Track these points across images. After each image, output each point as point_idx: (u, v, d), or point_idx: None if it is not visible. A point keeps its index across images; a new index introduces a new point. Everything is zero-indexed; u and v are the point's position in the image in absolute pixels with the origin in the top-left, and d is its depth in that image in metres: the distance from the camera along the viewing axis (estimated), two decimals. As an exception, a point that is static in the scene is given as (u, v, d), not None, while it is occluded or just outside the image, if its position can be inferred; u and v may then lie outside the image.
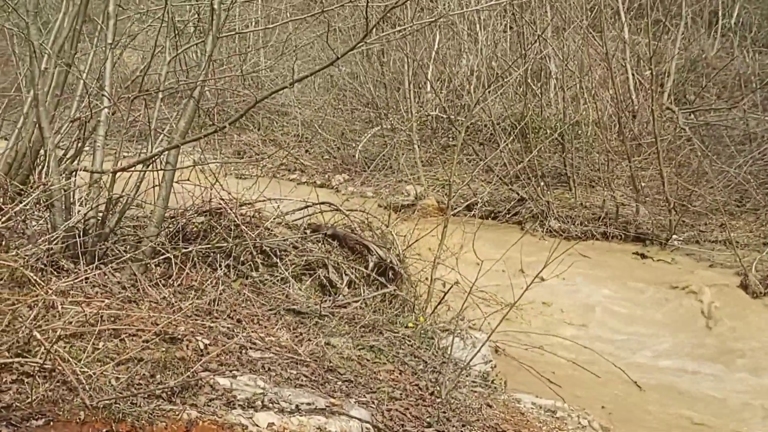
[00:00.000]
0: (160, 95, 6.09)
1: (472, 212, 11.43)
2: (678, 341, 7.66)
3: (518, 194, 11.80)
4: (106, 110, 5.55)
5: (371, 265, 6.54)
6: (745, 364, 7.09)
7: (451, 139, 14.26)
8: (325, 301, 6.04)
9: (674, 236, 10.39)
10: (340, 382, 4.73)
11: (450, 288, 6.56)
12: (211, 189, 6.17)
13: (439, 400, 4.81)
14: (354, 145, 14.86)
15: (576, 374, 6.59)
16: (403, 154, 13.33)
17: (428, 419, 4.57)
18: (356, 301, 6.13)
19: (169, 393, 3.56)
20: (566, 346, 7.05)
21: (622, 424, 5.45)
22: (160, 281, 5.04)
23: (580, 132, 12.48)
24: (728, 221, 10.10)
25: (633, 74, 12.94)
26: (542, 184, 11.65)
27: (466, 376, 5.54)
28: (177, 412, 3.43)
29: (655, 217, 10.70)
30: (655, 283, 8.98)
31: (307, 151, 15.77)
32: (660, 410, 6.14)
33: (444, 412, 4.69)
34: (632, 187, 11.09)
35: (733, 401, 6.41)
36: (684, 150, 11.55)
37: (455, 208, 11.22)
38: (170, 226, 5.79)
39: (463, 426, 4.62)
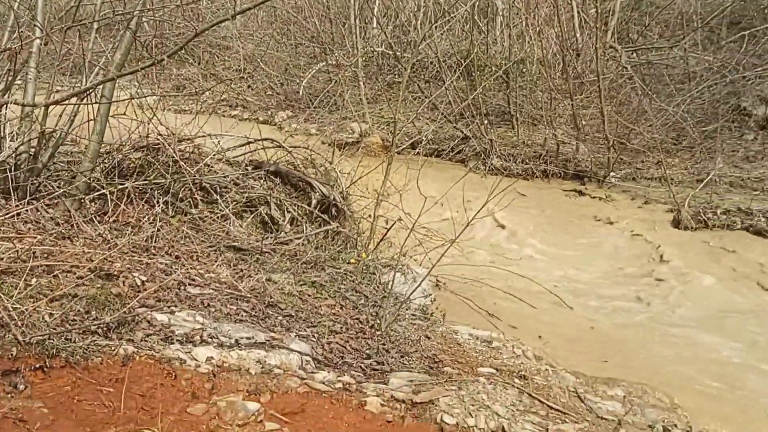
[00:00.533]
0: (95, 26, 5.88)
1: (417, 150, 11.50)
2: (608, 271, 7.90)
3: (462, 132, 11.84)
4: (38, 41, 5.35)
5: (314, 202, 6.54)
6: (670, 291, 7.36)
7: (396, 76, 14.16)
8: (267, 238, 6.04)
9: (612, 173, 10.61)
10: (280, 317, 4.77)
11: (393, 225, 6.61)
12: (149, 124, 6.04)
13: (378, 333, 4.90)
14: (298, 81, 14.65)
15: (513, 306, 6.76)
16: (348, 91, 13.20)
17: (368, 351, 4.66)
18: (298, 238, 6.14)
19: (104, 329, 3.55)
20: (504, 279, 7.20)
21: (554, 351, 5.64)
22: (96, 217, 4.96)
23: (524, 70, 12.53)
24: (664, 159, 10.33)
25: (578, 12, 12.96)
26: (486, 122, 11.71)
27: (406, 309, 5.63)
28: (113, 348, 3.42)
29: (594, 154, 10.90)
30: (589, 217, 9.21)
31: (249, 86, 15.51)
32: (593, 338, 6.35)
33: (383, 344, 4.78)
34: (573, 126, 11.23)
35: (654, 324, 6.65)
36: (625, 88, 11.72)
37: (400, 146, 11.25)
38: (106, 161, 5.68)
39: (402, 357, 4.72)
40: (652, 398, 5.21)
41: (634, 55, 13.26)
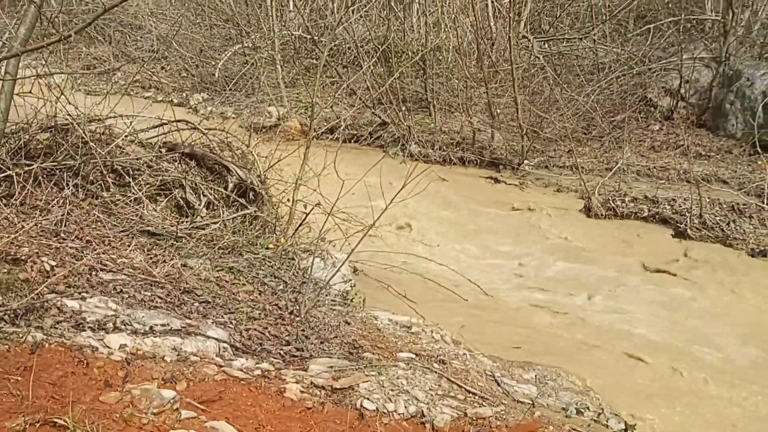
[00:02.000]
0: (-4, -1, 5.57)
1: (335, 135, 11.46)
2: (522, 253, 8.08)
3: (381, 118, 11.86)
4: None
5: (231, 185, 6.40)
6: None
7: (315, 60, 14.02)
8: (182, 222, 5.89)
9: (526, 161, 10.83)
10: (197, 304, 4.67)
11: (311, 209, 6.55)
12: (56, 103, 5.78)
13: (298, 319, 4.85)
14: (214, 63, 14.34)
15: (433, 292, 6.83)
16: (264, 74, 13.01)
17: (287, 338, 4.61)
18: (215, 223, 6.01)
19: (11, 315, 3.38)
20: (424, 264, 7.26)
21: (473, 336, 5.72)
22: (1, 200, 4.71)
23: (440, 58, 12.63)
24: (575, 148, 10.62)
25: (492, 2, 13.14)
26: (404, 108, 11.76)
27: (326, 295, 5.60)
28: (21, 335, 3.27)
29: (508, 142, 11.10)
30: (505, 204, 9.39)
31: (163, 67, 15.09)
32: (511, 322, 6.48)
33: (303, 330, 4.74)
34: (488, 114, 11.40)
35: (567, 309, 6.85)
36: (537, 78, 11.96)
37: (318, 131, 11.17)
38: (11, 141, 5.40)
39: (322, 343, 4.70)
40: (565, 381, 5.36)
41: (546, 45, 13.55)
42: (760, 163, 10.16)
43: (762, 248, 8.10)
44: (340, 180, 6.48)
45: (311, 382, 4.07)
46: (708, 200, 8.95)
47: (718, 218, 8.65)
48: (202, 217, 6.03)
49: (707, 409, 5.18)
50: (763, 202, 8.97)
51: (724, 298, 7.02)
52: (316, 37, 13.21)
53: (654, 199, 9.30)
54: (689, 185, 9.23)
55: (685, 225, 8.56)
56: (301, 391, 3.93)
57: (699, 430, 4.87)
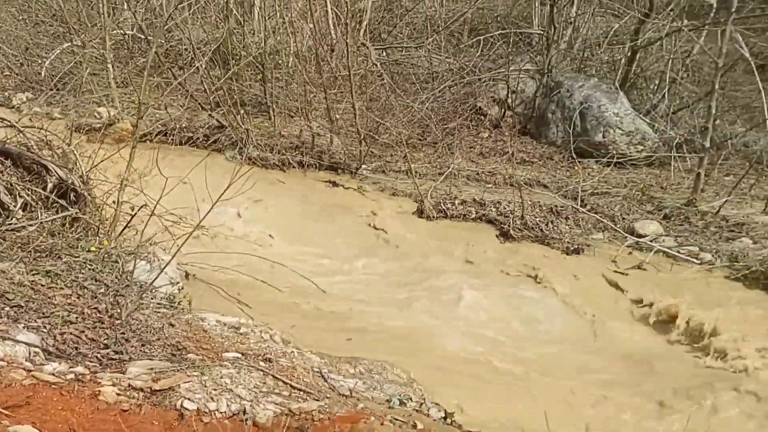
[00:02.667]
0: None
1: (170, 138, 11.21)
2: (356, 254, 8.26)
3: (218, 121, 11.70)
4: None
5: (50, 186, 6.11)
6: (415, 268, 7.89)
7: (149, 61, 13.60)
8: (-5, 224, 5.56)
9: (364, 166, 11.06)
10: (7, 308, 4.44)
11: (137, 211, 6.38)
12: None
13: (118, 322, 4.72)
14: (40, 61, 13.58)
15: (265, 293, 6.84)
16: (93, 74, 12.48)
17: (106, 341, 4.48)
18: (32, 225, 5.72)
19: None
20: (258, 266, 7.25)
21: (302, 334, 5.79)
22: None
23: (280, 62, 12.64)
24: (410, 153, 10.97)
25: (332, 9, 13.31)
26: (242, 112, 11.66)
27: (152, 298, 5.48)
28: None
29: (347, 147, 11.29)
30: (343, 208, 9.56)
31: (-19, 66, 14.12)
32: (342, 320, 6.61)
33: (123, 333, 4.62)
34: (328, 118, 11.53)
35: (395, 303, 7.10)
36: (375, 85, 12.25)
37: (152, 133, 10.87)
38: None
39: (143, 345, 4.59)
40: (391, 374, 5.53)
41: (384, 53, 13.89)
42: (576, 168, 10.93)
43: (576, 246, 8.73)
44: (172, 182, 6.36)
45: (129, 384, 3.97)
46: (530, 203, 9.53)
47: (538, 219, 9.24)
48: (17, 219, 5.72)
49: (520, 398, 5.53)
50: (578, 205, 9.68)
51: (541, 293, 7.52)
52: (150, 37, 12.83)
53: (481, 202, 9.79)
54: (513, 189, 9.77)
55: (509, 226, 9.07)
56: (118, 394, 3.83)
57: (511, 415, 5.18)
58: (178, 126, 11.22)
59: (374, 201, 9.94)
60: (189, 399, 4.01)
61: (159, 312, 5.23)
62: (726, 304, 7.28)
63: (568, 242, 8.83)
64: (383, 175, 11.07)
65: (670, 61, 12.21)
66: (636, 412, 5.51)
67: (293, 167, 11.14)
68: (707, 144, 9.70)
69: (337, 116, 11.74)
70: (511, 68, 12.55)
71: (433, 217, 9.52)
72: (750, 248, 8.53)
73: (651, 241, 8.88)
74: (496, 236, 9.10)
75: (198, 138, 11.62)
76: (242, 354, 4.88)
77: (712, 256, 8.51)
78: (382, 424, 4.36)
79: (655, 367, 6.22)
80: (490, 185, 10.65)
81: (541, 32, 13.27)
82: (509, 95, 12.64)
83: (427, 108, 11.79)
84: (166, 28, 12.74)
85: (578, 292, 7.61)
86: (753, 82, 10.54)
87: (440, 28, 14.22)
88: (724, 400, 5.58)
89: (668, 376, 6.06)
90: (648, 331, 7.06)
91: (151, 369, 4.23)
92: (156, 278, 5.21)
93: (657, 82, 12.65)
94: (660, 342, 6.82)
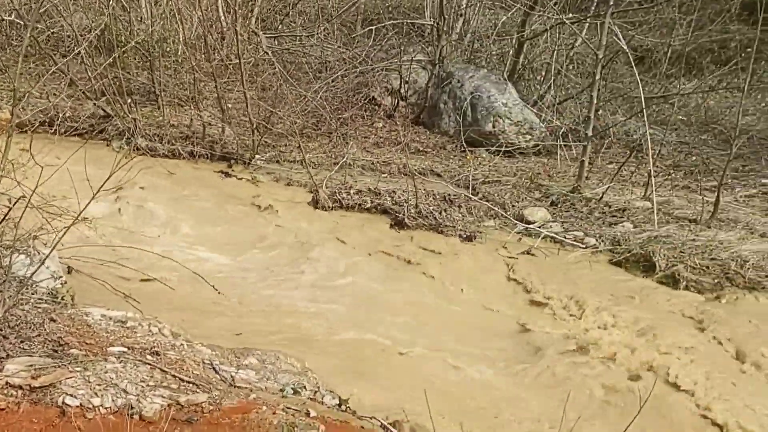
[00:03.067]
0: None
1: (54, 128, 10.73)
2: (248, 246, 8.17)
3: (104, 110, 11.27)
4: None
5: None
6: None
7: (29, 48, 12.94)
8: None
9: (257, 156, 10.92)
10: None
11: (15, 203, 6.05)
12: None
13: (-6, 319, 4.49)
14: None
15: (153, 286, 6.66)
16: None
17: (-20, 339, 4.25)
18: None
19: None
20: (145, 259, 7.04)
21: (193, 326, 5.68)
22: None
23: (168, 50, 12.30)
24: (304, 143, 10.91)
25: (222, -4, 13.07)
26: (129, 101, 11.27)
27: (32, 293, 5.24)
28: None
29: (240, 137, 11.12)
30: (236, 198, 9.42)
31: None
32: (235, 312, 6.52)
33: (0, 330, 4.40)
34: (219, 108, 11.32)
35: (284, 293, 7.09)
36: (267, 73, 12.09)
37: (33, 123, 10.37)
38: None
39: (22, 342, 4.40)
40: (284, 363, 5.50)
41: (276, 42, 13.74)
42: (468, 157, 11.16)
43: (468, 233, 8.92)
44: (52, 173, 6.07)
45: (6, 383, 3.80)
46: (424, 192, 9.66)
47: (431, 208, 9.37)
48: None
49: (409, 380, 5.62)
50: (470, 193, 9.89)
51: (430, 278, 7.68)
52: (28, 22, 12.18)
53: (377, 192, 9.84)
54: (407, 178, 9.87)
55: (403, 214, 9.16)
56: (-7, 393, 3.66)
57: (399, 395, 5.25)
58: (61, 115, 10.73)
59: (268, 191, 9.83)
60: (71, 395, 3.87)
61: (40, 307, 5.01)
62: (602, 286, 7.65)
63: (461, 230, 9.00)
64: (277, 166, 10.96)
65: (555, 53, 12.63)
66: (511, 387, 5.71)
67: (184, 158, 10.88)
68: (590, 133, 10.09)
69: (229, 105, 11.54)
70: (403, 58, 12.66)
71: (329, 207, 9.51)
72: (631, 232, 8.96)
73: (539, 227, 9.18)
74: (391, 225, 9.18)
75: (84, 128, 11.16)
76: (129, 348, 4.74)
77: (596, 240, 8.88)
78: (274, 413, 4.34)
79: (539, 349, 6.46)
80: (385, 175, 10.72)
81: (432, 23, 13.44)
82: (402, 85, 12.75)
83: (320, 97, 11.73)
84: (44, 11, 12.14)
85: (465, 277, 7.78)
86: (633, 73, 11.05)
87: (332, 18, 14.18)
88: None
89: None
90: (528, 311, 7.31)
91: (31, 366, 4.05)
92: (35, 272, 4.98)
93: (543, 73, 13.07)
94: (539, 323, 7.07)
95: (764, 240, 8.45)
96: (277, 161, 11.11)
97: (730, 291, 7.48)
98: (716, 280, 7.67)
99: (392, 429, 4.82)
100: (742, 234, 8.62)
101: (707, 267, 7.85)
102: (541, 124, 11.88)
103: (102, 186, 4.48)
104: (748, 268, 7.71)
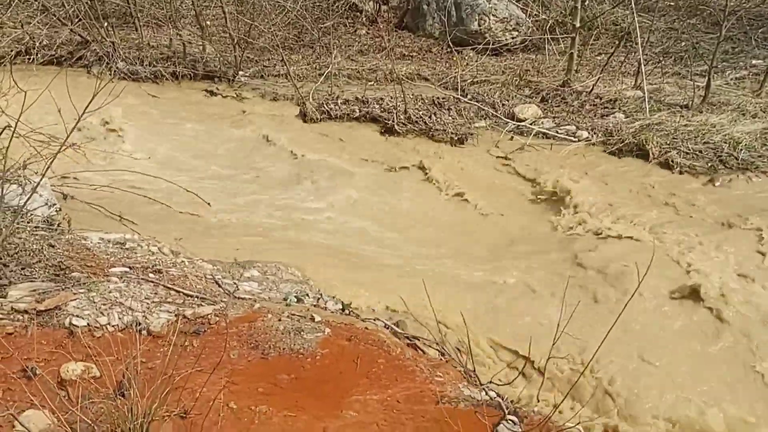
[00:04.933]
0: None
1: (32, 58, 10.52)
2: (242, 164, 8.14)
3: (81, 36, 11.00)
4: None
5: None
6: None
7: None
8: None
9: (241, 72, 10.73)
10: None
11: (1, 132, 5.97)
12: None
13: (-7, 249, 4.50)
14: None
15: (149, 208, 6.65)
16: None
17: (-19, 270, 4.27)
18: None
19: None
20: (139, 182, 7.02)
21: (193, 245, 5.70)
22: None
23: (141, -32, 11.93)
24: (287, 56, 10.70)
25: None
26: (106, 24, 10.99)
27: (27, 222, 5.24)
28: None
29: (221, 54, 10.89)
30: (222, 116, 9.31)
31: None
32: (233, 230, 6.54)
33: (0, 259, 4.42)
34: (198, 25, 11.06)
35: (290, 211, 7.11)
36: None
37: (10, 54, 10.16)
38: None
39: (23, 269, 4.42)
40: (286, 274, 5.56)
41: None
42: (455, 59, 10.98)
43: (460, 136, 8.87)
44: (37, 100, 5.96)
45: (11, 308, 3.84)
46: (412, 97, 9.54)
47: (421, 112, 9.27)
48: None
49: (405, 281, 5.69)
50: (459, 95, 9.79)
51: (424, 183, 7.71)
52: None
53: (364, 100, 9.72)
54: (394, 84, 9.73)
55: (393, 121, 9.08)
56: (1, 318, 3.70)
57: (395, 295, 5.32)
58: (38, 44, 10.48)
59: (255, 107, 9.71)
60: (78, 316, 3.92)
61: (37, 234, 5.02)
62: (595, 174, 7.68)
63: (452, 133, 8.94)
64: (262, 81, 10.79)
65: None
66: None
67: (167, 80, 10.68)
68: (578, 24, 9.91)
69: (208, 23, 11.28)
70: (383, -39, 12.32)
71: (317, 119, 9.40)
72: (623, 122, 8.91)
73: (531, 124, 9.12)
74: (381, 133, 9.11)
75: (62, 56, 10.91)
76: (130, 268, 4.77)
77: (589, 133, 8.84)
78: (279, 320, 4.41)
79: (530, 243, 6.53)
80: (371, 83, 10.58)
81: None
82: (383, -11, 12.45)
83: (300, 7, 11.45)
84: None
85: (458, 180, 7.79)
86: (617, -41, 10.79)
87: None
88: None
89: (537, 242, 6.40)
90: (531, 209, 7.35)
91: (34, 291, 4.09)
92: (28, 200, 4.95)
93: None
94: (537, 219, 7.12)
95: (756, 120, 8.42)
96: (262, 76, 10.93)
97: (724, 173, 7.50)
98: (709, 164, 7.67)
99: (395, 328, 4.92)
100: (733, 116, 8.58)
101: (700, 151, 7.84)
102: (527, 19, 11.64)
103: (86, 109, 4.40)
104: (741, 150, 7.71)
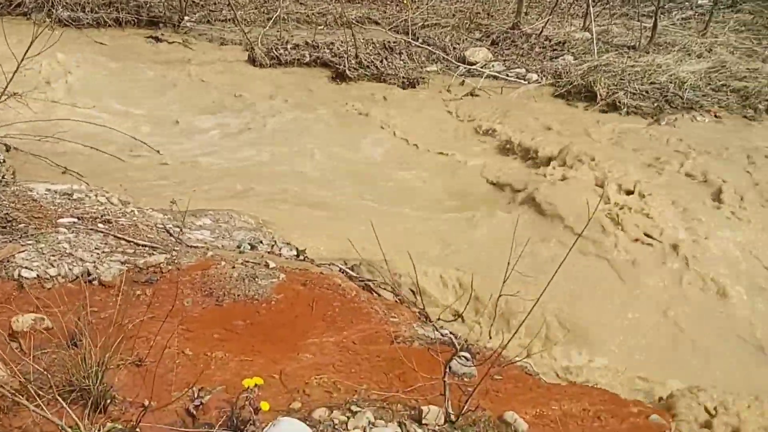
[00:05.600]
0: None
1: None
2: (189, 109, 8.01)
3: (17, -18, 10.61)
4: None
5: None
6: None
7: None
8: None
9: (186, 18, 10.49)
10: None
11: (-64, 84, 5.78)
12: None
13: (-68, 203, 4.39)
14: None
15: (94, 158, 6.53)
16: None
17: None
18: None
19: None
20: (82, 131, 6.86)
21: (140, 192, 5.64)
22: None
23: None
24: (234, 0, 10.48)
25: None
26: (43, -32, 10.61)
27: (-31, 175, 5.11)
28: None
29: (166, -2, 10.64)
30: (169, 63, 9.12)
31: None
32: (183, 175, 6.47)
33: (-60, 214, 4.32)
34: (140, -31, 10.74)
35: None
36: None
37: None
38: None
39: (-33, 223, 4.32)
40: (239, 221, 5.54)
41: None
42: (405, 2, 10.88)
43: (411, 80, 8.84)
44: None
45: (-44, 263, 3.77)
46: (363, 41, 9.46)
47: (372, 57, 9.21)
48: None
49: (360, 232, 5.72)
50: (410, 38, 9.72)
51: (373, 127, 7.70)
52: None
53: (314, 45, 9.61)
54: (345, 28, 9.62)
55: (344, 66, 9.00)
56: (-56, 273, 3.63)
57: (347, 240, 5.36)
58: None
59: (202, 53, 9.52)
60: (27, 268, 3.87)
61: (-22, 188, 4.90)
62: (545, 117, 7.76)
63: (403, 77, 8.91)
64: (209, 26, 10.59)
65: None
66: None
67: (110, 26, 10.40)
68: (527, -34, 9.89)
69: (150, -35, 10.95)
70: None
71: (266, 64, 9.27)
72: (572, 64, 8.98)
73: (482, 68, 9.14)
74: (332, 78, 9.04)
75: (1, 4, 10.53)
76: (79, 218, 4.70)
77: (538, 75, 8.90)
78: (233, 267, 4.41)
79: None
80: (321, 27, 10.45)
81: None
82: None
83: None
84: None
85: (409, 124, 7.80)
86: None
87: None
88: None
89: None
90: (482, 152, 7.41)
91: (-21, 244, 4.01)
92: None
93: None
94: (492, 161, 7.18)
95: (701, 60, 8.57)
96: (208, 21, 10.72)
97: (669, 113, 7.64)
98: (655, 104, 7.80)
99: (350, 272, 4.97)
100: (679, 56, 8.71)
101: (647, 92, 7.97)
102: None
103: (24, 56, 4.28)
104: (686, 89, 7.85)
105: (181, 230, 4.91)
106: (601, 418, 3.44)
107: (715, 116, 7.57)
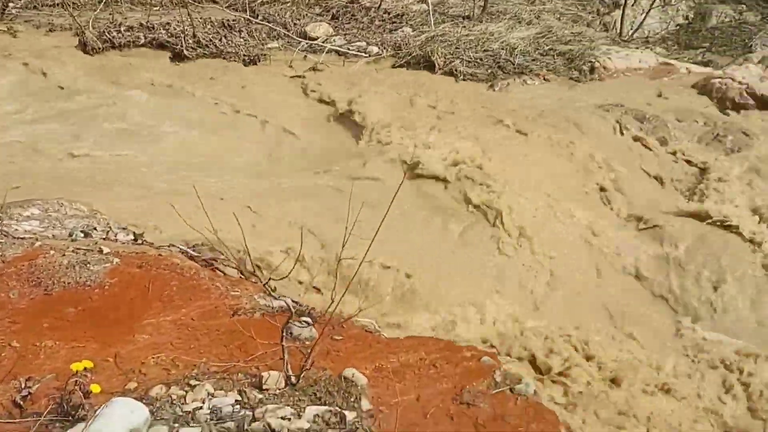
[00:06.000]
0: None
1: None
2: (16, 100, 7.59)
3: None
4: None
5: None
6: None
7: None
8: None
9: (11, 4, 9.87)
10: None
11: None
12: None
13: None
14: None
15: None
16: None
17: None
18: None
19: None
20: None
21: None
22: None
23: None
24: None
25: None
26: None
27: None
28: None
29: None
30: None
31: None
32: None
33: None
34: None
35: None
36: None
37: None
38: None
39: None
40: (70, 210, 5.32)
41: None
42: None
43: (252, 57, 8.75)
44: None
45: None
46: (200, 20, 9.25)
47: (211, 36, 9.03)
48: None
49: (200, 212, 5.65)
50: (250, 16, 9.60)
51: (217, 105, 7.60)
52: None
53: (149, 26, 9.30)
54: (180, 8, 9.37)
55: (181, 46, 8.77)
56: None
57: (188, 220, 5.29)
58: None
59: (28, 41, 8.98)
60: None
61: None
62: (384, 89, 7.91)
63: (244, 55, 8.80)
64: (35, 11, 10.00)
65: None
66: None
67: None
68: (361, -61, 9.98)
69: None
70: None
71: (98, 48, 8.87)
72: (410, 36, 9.18)
73: (323, 43, 9.16)
74: (170, 59, 8.79)
75: None
76: None
77: (379, 48, 9.03)
78: (63, 255, 4.26)
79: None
80: (156, 8, 10.13)
81: None
82: None
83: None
84: None
85: (249, 100, 7.75)
86: None
87: None
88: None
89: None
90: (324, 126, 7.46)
91: None
92: None
93: None
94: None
95: (530, 27, 8.99)
96: (35, 6, 10.15)
97: (502, 78, 7.97)
98: (489, 71, 8.12)
99: (191, 251, 4.90)
100: (510, 24, 9.10)
101: (481, 59, 8.27)
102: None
103: None
104: (516, 55, 8.21)
105: (2, 221, 4.66)
106: (437, 365, 3.59)
107: (544, 79, 7.97)
